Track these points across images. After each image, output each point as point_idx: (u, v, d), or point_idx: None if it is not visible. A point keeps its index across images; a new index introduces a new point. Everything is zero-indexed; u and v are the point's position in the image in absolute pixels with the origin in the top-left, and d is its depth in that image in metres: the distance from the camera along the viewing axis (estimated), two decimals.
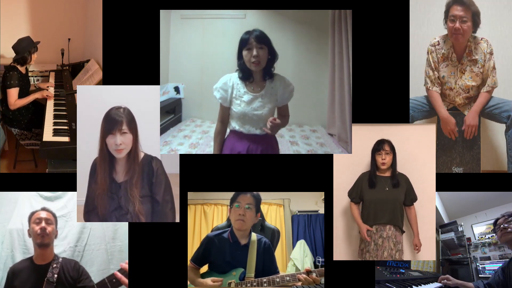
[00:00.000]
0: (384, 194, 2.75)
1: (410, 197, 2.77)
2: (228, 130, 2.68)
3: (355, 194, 2.79)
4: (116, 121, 2.33)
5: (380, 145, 2.77)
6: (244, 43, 2.52)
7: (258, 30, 2.52)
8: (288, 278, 2.48)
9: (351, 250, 2.82)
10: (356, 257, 2.79)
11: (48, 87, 3.81)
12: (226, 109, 2.63)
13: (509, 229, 2.56)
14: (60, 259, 2.58)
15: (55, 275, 2.51)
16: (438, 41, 3.01)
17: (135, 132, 2.38)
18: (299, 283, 2.48)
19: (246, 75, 2.58)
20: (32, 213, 2.61)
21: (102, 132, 2.36)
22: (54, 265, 2.54)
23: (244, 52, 2.52)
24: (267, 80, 2.59)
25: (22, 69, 3.49)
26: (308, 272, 2.50)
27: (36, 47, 3.53)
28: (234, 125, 2.62)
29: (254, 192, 2.59)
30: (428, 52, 3.01)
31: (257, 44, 2.50)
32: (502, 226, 2.59)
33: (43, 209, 2.62)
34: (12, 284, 2.52)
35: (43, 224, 2.55)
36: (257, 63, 2.51)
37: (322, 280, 2.70)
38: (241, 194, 2.58)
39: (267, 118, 2.59)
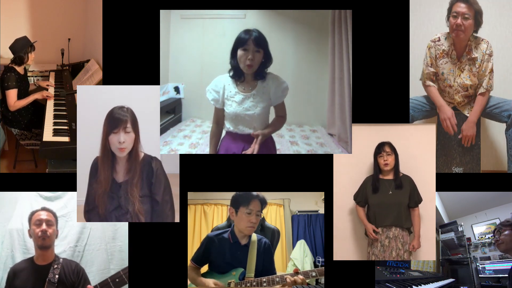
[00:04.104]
0: (387, 198, 2.75)
1: (414, 199, 2.77)
2: (224, 132, 2.67)
3: (360, 197, 2.79)
4: (120, 120, 2.32)
5: (380, 148, 2.77)
6: (241, 43, 2.46)
7: (257, 31, 2.47)
8: (277, 279, 2.49)
9: (351, 250, 2.82)
10: (358, 257, 2.79)
11: (47, 85, 3.81)
12: (220, 110, 2.61)
13: (499, 241, 2.59)
14: (61, 259, 2.57)
15: (56, 276, 2.50)
16: (439, 37, 3.01)
17: (137, 132, 2.38)
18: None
19: (237, 74, 2.54)
20: (32, 213, 2.58)
21: (105, 130, 2.35)
22: (55, 266, 2.53)
23: (240, 52, 2.47)
24: (259, 80, 2.56)
25: (20, 69, 3.48)
26: (296, 273, 2.50)
27: (33, 46, 3.51)
28: (228, 126, 2.61)
29: (260, 196, 2.55)
30: (427, 47, 3.02)
31: (255, 48, 2.45)
32: (495, 237, 2.62)
33: (43, 209, 2.60)
34: (13, 284, 2.51)
35: (43, 226, 2.53)
36: (250, 66, 2.47)
37: (322, 280, 2.71)
38: (253, 201, 2.51)
39: (260, 118, 2.57)
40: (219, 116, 2.63)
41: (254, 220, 2.51)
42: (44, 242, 2.52)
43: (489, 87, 2.95)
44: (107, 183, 2.38)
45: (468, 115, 2.99)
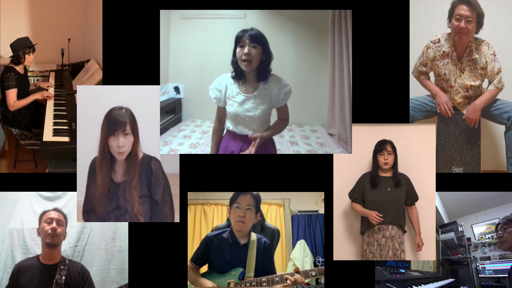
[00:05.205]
0: (386, 195, 2.75)
1: (411, 197, 2.77)
2: (225, 129, 2.68)
3: (357, 194, 2.78)
4: (119, 122, 2.31)
5: (382, 146, 2.76)
6: (238, 41, 2.49)
7: (255, 29, 2.49)
8: (277, 279, 2.49)
9: (351, 250, 2.82)
10: (358, 257, 2.79)
11: (48, 87, 3.81)
12: (222, 109, 2.63)
13: (503, 238, 2.57)
14: (67, 261, 2.59)
15: (63, 277, 2.52)
16: (438, 38, 3.01)
17: (136, 133, 2.37)
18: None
19: (238, 74, 2.55)
20: (44, 212, 2.61)
21: (103, 133, 2.34)
22: (62, 267, 2.55)
23: (237, 50, 2.49)
24: (261, 81, 2.56)
25: (19, 69, 3.48)
26: (296, 272, 2.50)
27: (32, 47, 3.51)
28: (229, 125, 2.62)
29: (254, 193, 2.58)
30: (425, 47, 3.02)
31: (250, 43, 2.46)
32: (498, 234, 2.59)
33: (55, 209, 2.63)
34: (17, 282, 2.52)
35: (54, 224, 2.56)
36: (248, 61, 2.47)
37: (322, 280, 2.71)
38: (241, 195, 2.56)
39: (260, 120, 2.57)
40: (221, 115, 2.64)
41: (242, 214, 2.52)
42: (52, 240, 2.55)
43: (501, 86, 2.95)
44: (105, 185, 2.38)
45: None
